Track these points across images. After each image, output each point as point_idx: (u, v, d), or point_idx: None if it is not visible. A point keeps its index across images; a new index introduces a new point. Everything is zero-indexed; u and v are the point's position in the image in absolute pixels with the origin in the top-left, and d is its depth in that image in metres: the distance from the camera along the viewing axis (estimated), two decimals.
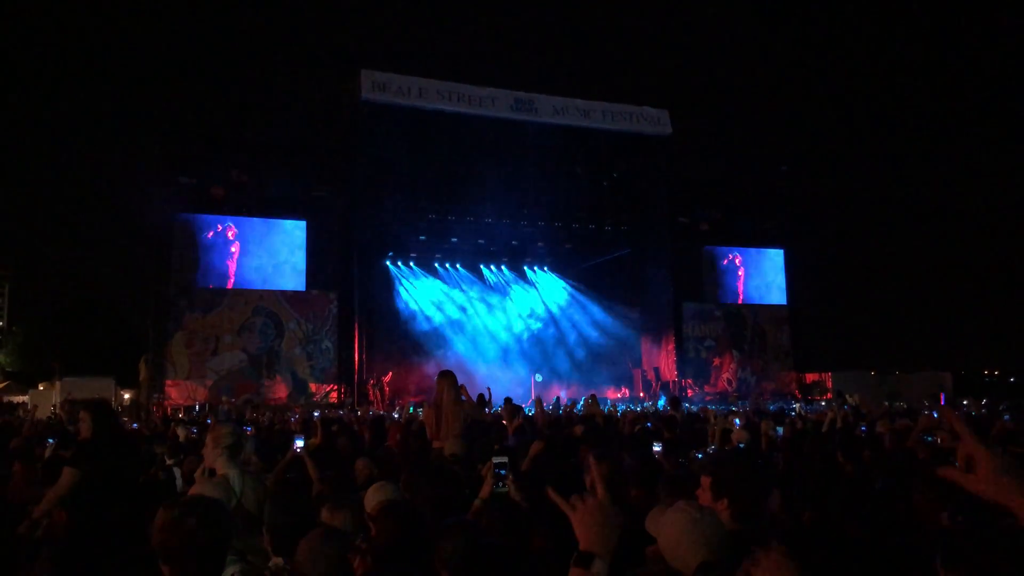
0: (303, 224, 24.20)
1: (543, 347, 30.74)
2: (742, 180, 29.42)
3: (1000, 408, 11.68)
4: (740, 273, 30.05)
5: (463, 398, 7.28)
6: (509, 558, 2.15)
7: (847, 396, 23.56)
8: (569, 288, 32.43)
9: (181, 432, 7.61)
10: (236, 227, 23.56)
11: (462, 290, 30.80)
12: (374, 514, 3.34)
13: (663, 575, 2.54)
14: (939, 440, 4.99)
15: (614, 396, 26.90)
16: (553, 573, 3.02)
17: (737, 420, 8.55)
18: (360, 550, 2.90)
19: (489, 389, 22.71)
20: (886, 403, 17.32)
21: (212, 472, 4.29)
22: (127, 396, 24.86)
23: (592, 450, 5.34)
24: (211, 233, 23.30)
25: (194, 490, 3.87)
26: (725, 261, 29.96)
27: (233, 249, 23.52)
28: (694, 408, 19.10)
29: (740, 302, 30.00)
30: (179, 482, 6.11)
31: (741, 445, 6.55)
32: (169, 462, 6.95)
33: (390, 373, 25.97)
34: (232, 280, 23.46)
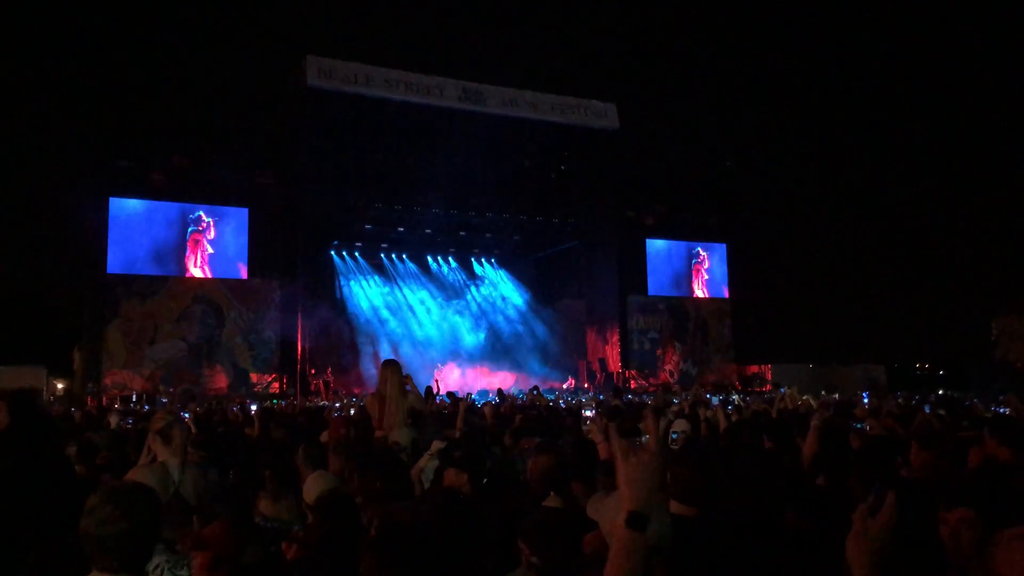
0: (245, 211, 23.73)
1: (489, 339, 30.79)
2: (688, 175, 29.82)
3: (931, 399, 12.10)
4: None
5: (408, 388, 7.23)
6: (446, 546, 2.13)
7: (787, 388, 24.07)
8: (516, 280, 32.52)
9: (113, 420, 7.40)
10: (175, 213, 23.01)
11: (407, 281, 30.66)
12: (312, 504, 3.31)
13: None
14: (868, 428, 5.14)
15: (559, 387, 27.11)
16: (500, 562, 3.01)
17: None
18: (295, 538, 2.87)
19: (437, 381, 22.71)
20: (823, 394, 17.76)
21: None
22: (60, 386, 24.12)
23: (536, 442, 5.36)
24: (148, 218, 22.71)
25: (130, 476, 3.78)
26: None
27: (172, 235, 22.96)
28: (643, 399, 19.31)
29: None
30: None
31: (675, 435, 6.58)
32: (104, 455, 6.75)
33: (329, 369, 25.70)
34: (172, 267, 22.89)
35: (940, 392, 17.18)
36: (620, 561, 1.68)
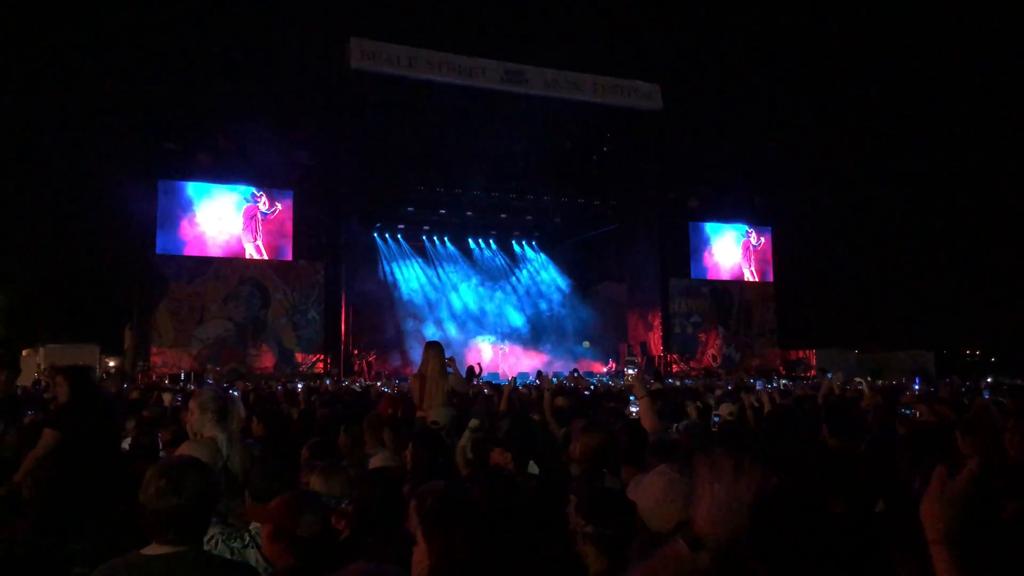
0: (290, 193, 24.03)
1: (529, 321, 30.81)
2: (732, 157, 29.39)
3: (982, 386, 11.82)
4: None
5: (449, 370, 7.31)
6: (488, 519, 2.15)
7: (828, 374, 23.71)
8: (556, 262, 32.46)
9: (167, 397, 7.59)
10: (222, 195, 23.38)
11: (448, 263, 30.79)
12: (355, 480, 3.38)
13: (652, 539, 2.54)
14: (918, 414, 5.04)
15: (600, 371, 27.06)
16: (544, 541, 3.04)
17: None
18: (344, 513, 2.93)
19: (480, 364, 22.84)
20: (869, 379, 17.46)
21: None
22: (112, 364, 24.74)
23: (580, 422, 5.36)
24: (196, 200, 23.12)
25: (181, 451, 3.88)
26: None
27: (219, 217, 23.34)
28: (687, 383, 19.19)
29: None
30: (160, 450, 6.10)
31: (716, 419, 6.55)
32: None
33: (373, 352, 25.97)
34: (219, 248, 23.28)
35: (989, 379, 16.76)
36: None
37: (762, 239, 30.58)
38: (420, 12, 26.21)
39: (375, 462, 3.89)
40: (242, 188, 23.49)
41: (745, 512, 1.59)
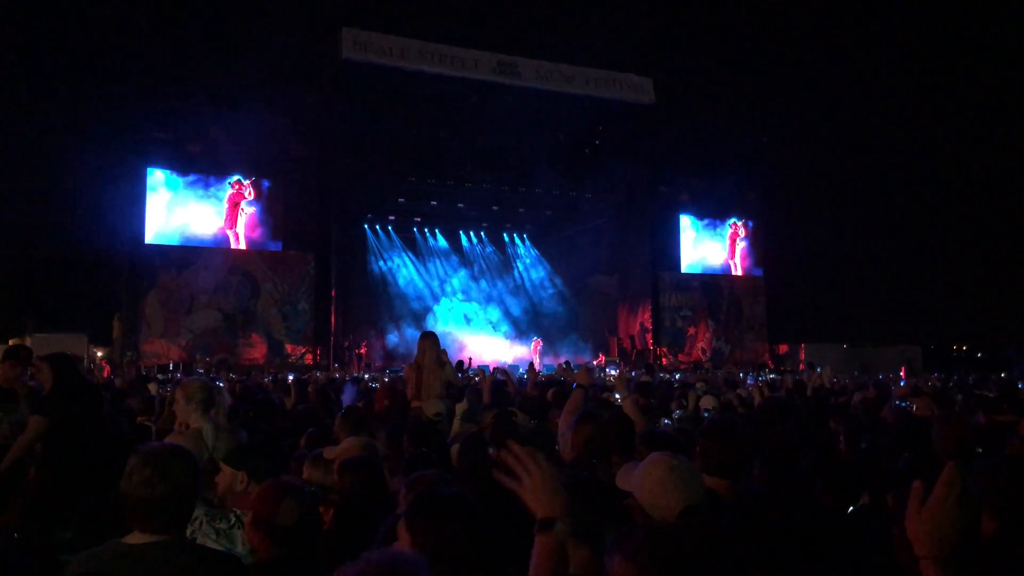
0: (281, 184, 23.86)
1: (521, 314, 30.82)
2: (723, 151, 29.40)
3: (969, 381, 11.90)
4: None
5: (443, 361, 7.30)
6: (472, 510, 2.13)
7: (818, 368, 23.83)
8: (547, 255, 32.45)
9: (152, 387, 7.55)
10: (211, 184, 23.21)
11: (439, 255, 30.75)
12: (338, 466, 3.36)
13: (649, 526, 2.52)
14: (914, 407, 5.05)
15: (590, 364, 27.07)
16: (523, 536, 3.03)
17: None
18: (331, 503, 2.93)
19: (470, 359, 22.79)
20: (856, 373, 17.57)
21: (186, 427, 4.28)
22: (100, 354, 24.61)
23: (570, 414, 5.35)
24: (187, 189, 22.95)
25: (168, 440, 3.86)
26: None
27: (208, 206, 23.18)
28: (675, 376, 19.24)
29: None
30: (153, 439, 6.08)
31: (706, 413, 6.59)
32: (141, 418, 6.90)
33: (364, 344, 25.94)
34: (208, 238, 23.14)
35: (970, 377, 16.89)
36: (539, 560, 1.95)
37: (753, 233, 30.60)
38: (412, 2, 26.04)
39: (345, 446, 3.85)
40: (230, 177, 23.31)
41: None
